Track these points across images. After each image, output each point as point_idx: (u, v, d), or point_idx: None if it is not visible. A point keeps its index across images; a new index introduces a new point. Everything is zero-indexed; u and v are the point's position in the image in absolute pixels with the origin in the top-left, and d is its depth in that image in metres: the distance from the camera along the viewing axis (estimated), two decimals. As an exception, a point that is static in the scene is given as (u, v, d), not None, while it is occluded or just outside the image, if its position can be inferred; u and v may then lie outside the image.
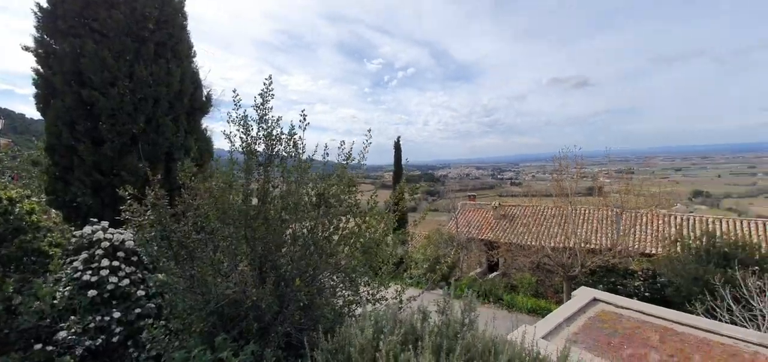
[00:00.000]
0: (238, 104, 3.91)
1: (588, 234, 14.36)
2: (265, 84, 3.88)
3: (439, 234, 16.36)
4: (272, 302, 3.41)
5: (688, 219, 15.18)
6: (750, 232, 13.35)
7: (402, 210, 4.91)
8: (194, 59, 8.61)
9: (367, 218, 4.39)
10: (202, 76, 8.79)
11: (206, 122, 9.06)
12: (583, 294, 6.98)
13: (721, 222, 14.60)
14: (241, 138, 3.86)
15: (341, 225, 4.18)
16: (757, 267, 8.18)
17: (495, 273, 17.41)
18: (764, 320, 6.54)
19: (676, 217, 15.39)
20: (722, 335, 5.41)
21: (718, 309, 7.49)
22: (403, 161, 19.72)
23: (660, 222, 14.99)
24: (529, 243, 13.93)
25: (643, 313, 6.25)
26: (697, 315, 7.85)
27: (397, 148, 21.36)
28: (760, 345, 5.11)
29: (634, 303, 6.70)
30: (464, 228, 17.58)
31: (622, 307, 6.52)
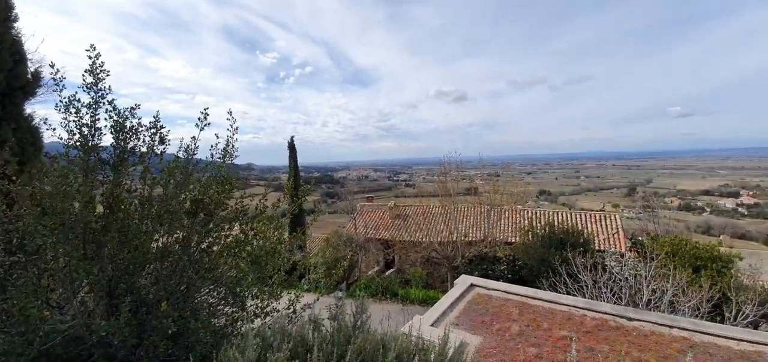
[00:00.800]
0: (59, 83, 2.99)
1: (467, 228, 16.45)
2: (90, 57, 3.03)
3: (338, 236, 16.35)
4: (128, 335, 2.76)
5: (536, 213, 18.89)
6: (577, 222, 17.39)
7: (298, 214, 4.66)
8: (15, 24, 6.52)
9: (254, 224, 4.00)
10: (30, 47, 6.72)
11: (34, 107, 6.96)
12: (463, 282, 7.88)
13: (558, 214, 18.65)
14: (73, 129, 2.98)
15: (224, 233, 3.70)
16: (581, 249, 10.66)
17: (391, 270, 18.35)
18: (587, 289, 8.54)
19: (528, 212, 18.96)
20: (561, 304, 6.82)
21: (558, 284, 9.46)
22: (300, 162, 19.08)
23: (518, 215, 18.23)
24: (420, 239, 15.18)
25: (507, 292, 7.42)
26: (544, 289, 9.77)
27: (292, 148, 20.49)
28: (586, 309, 6.61)
29: (501, 285, 7.90)
30: (363, 229, 18.04)
31: (492, 289, 7.60)
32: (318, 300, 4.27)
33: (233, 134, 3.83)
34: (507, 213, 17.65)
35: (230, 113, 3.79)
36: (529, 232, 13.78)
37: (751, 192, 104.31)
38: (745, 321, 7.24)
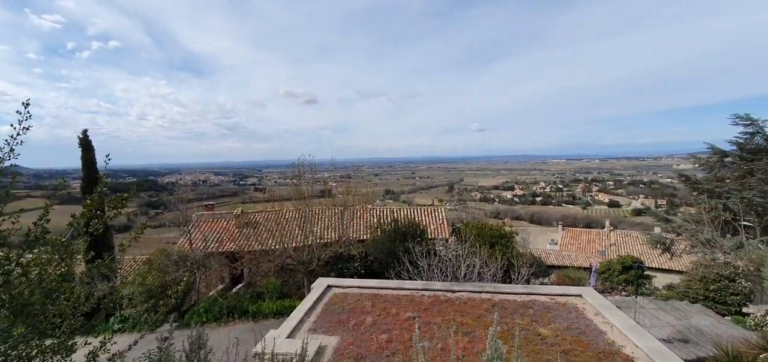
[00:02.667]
0: None
1: (322, 231, 16.57)
2: None
3: (166, 255, 13.44)
4: None
5: (383, 211, 20.92)
6: (415, 216, 20.17)
7: (104, 232, 3.48)
8: None
9: (26, 255, 2.77)
10: None
11: None
12: (319, 285, 7.83)
13: (400, 211, 21.16)
14: None
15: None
16: (419, 239, 12.39)
17: (240, 286, 16.52)
18: (424, 272, 9.93)
19: (376, 210, 20.77)
20: (405, 289, 7.67)
21: (402, 272, 10.65)
22: (100, 164, 14.53)
23: (368, 214, 19.70)
24: (273, 247, 14.24)
25: (361, 288, 7.81)
26: (392, 278, 10.84)
27: (86, 145, 15.54)
28: (424, 289, 7.63)
29: (355, 282, 8.27)
30: (201, 243, 15.49)
31: (348, 287, 7.86)
32: (137, 342, 3.33)
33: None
34: (359, 212, 18.75)
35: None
36: (378, 229, 15.06)
37: (521, 187, 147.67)
38: (522, 279, 10.02)
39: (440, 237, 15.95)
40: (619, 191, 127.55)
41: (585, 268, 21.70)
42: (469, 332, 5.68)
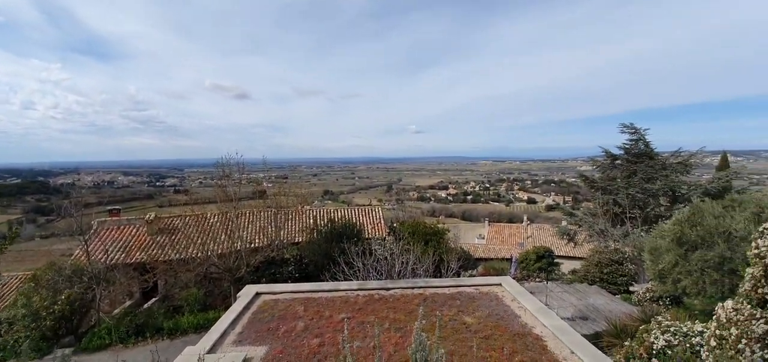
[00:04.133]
0: None
1: (253, 235, 15.54)
2: None
3: (57, 269, 11.27)
4: None
5: (321, 211, 20.45)
6: (352, 216, 20.07)
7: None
8: None
9: None
10: None
11: None
12: (247, 293, 7.29)
13: (338, 211, 20.89)
14: None
15: None
16: (356, 239, 12.33)
17: (154, 300, 14.68)
18: (360, 272, 9.89)
19: (313, 211, 20.22)
20: (340, 290, 7.52)
21: (338, 273, 10.48)
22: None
23: (304, 215, 19.07)
24: (193, 255, 12.89)
25: (294, 292, 7.47)
26: (327, 281, 10.60)
27: None
28: (359, 289, 7.57)
29: (288, 286, 7.88)
30: (103, 255, 13.35)
31: (278, 293, 7.45)
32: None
33: None
34: (294, 214, 18.04)
35: None
36: (314, 230, 14.64)
37: (454, 186, 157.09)
38: (451, 273, 10.58)
39: (377, 236, 16.11)
40: (536, 189, 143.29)
41: (507, 259, 23.87)
42: (401, 327, 5.76)
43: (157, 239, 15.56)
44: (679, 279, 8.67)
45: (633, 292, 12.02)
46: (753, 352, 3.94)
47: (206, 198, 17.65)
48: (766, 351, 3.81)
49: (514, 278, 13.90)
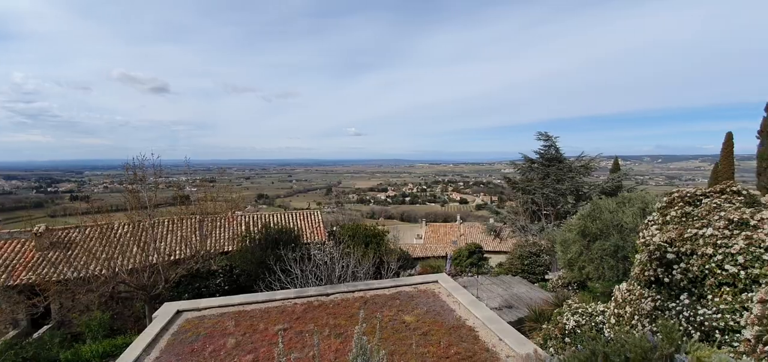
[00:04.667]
0: None
1: (173, 246, 13.91)
2: None
3: None
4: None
5: (253, 217, 19.19)
6: (290, 221, 19.21)
7: None
8: None
9: None
10: None
11: None
12: (165, 312, 6.48)
13: (273, 216, 19.82)
14: None
15: None
16: (293, 244, 11.76)
17: (45, 328, 12.27)
18: (298, 279, 9.46)
19: (245, 217, 18.89)
20: (276, 300, 7.10)
21: (273, 282, 9.89)
22: None
23: (235, 222, 17.71)
24: (97, 272, 11.02)
25: (222, 306, 6.84)
26: (261, 291, 9.93)
27: None
28: (296, 297, 7.21)
29: (215, 301, 7.19)
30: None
31: (204, 309, 6.75)
32: None
33: None
34: (223, 221, 16.63)
35: None
36: (246, 238, 13.65)
37: (393, 188, 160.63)
38: (392, 274, 10.72)
39: (317, 241, 15.65)
40: (467, 190, 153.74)
41: (443, 257, 25.12)
42: (342, 333, 5.63)
43: (49, 255, 13.04)
44: (583, 266, 9.95)
45: (548, 280, 13.50)
46: (643, 326, 4.66)
47: (113, 206, 15.31)
48: (653, 325, 4.53)
49: (449, 274, 14.59)
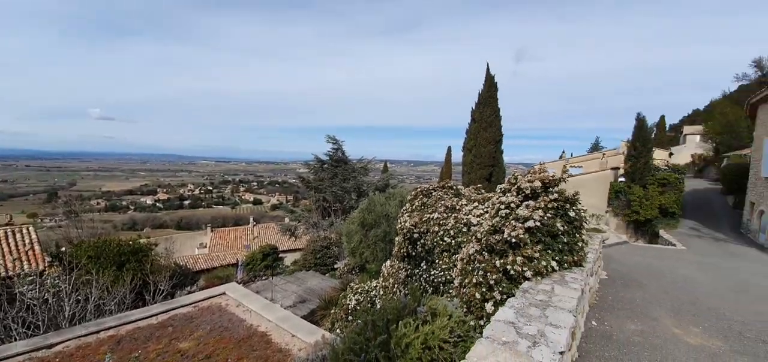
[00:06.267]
0: None
1: None
2: None
3: None
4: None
5: None
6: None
7: None
8: None
9: None
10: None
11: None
12: None
13: None
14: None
15: None
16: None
17: None
18: None
19: None
20: None
21: None
22: None
23: None
24: None
25: None
26: None
27: None
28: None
29: None
30: None
31: None
32: None
33: None
34: None
35: None
36: None
37: (165, 190, 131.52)
38: (161, 296, 8.72)
39: (28, 271, 10.56)
40: (262, 190, 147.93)
41: (233, 264, 22.97)
42: (74, 395, 4.05)
43: None
44: (363, 251, 11.70)
45: (337, 269, 15.01)
46: (400, 291, 5.93)
47: None
48: (406, 289, 5.86)
49: (240, 282, 13.53)
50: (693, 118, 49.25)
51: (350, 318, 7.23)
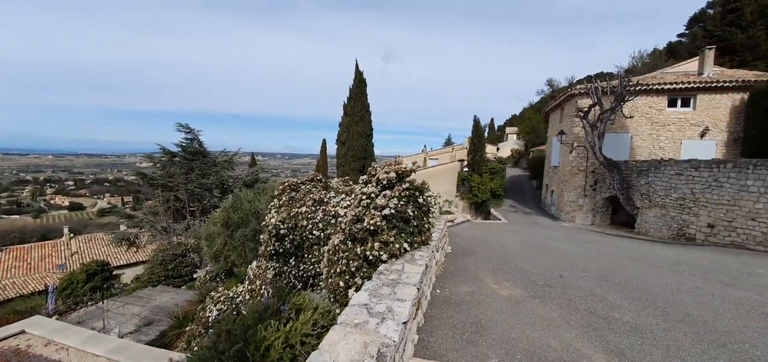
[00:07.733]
0: None
1: None
2: None
3: None
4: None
5: None
6: None
7: None
8: None
9: None
10: None
11: None
12: None
13: None
14: None
15: None
16: None
17: None
18: None
19: None
20: None
21: None
22: None
23: None
24: None
25: None
26: None
27: None
28: None
29: None
30: None
31: None
32: None
33: None
34: None
35: None
36: None
37: None
38: None
39: None
40: (82, 191, 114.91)
41: (42, 291, 17.22)
42: None
43: None
44: (228, 255, 10.61)
45: (196, 278, 13.13)
46: (267, 292, 5.66)
47: None
48: (270, 287, 5.62)
49: (52, 313, 10.42)
50: (512, 121, 63.58)
51: (212, 331, 6.49)
